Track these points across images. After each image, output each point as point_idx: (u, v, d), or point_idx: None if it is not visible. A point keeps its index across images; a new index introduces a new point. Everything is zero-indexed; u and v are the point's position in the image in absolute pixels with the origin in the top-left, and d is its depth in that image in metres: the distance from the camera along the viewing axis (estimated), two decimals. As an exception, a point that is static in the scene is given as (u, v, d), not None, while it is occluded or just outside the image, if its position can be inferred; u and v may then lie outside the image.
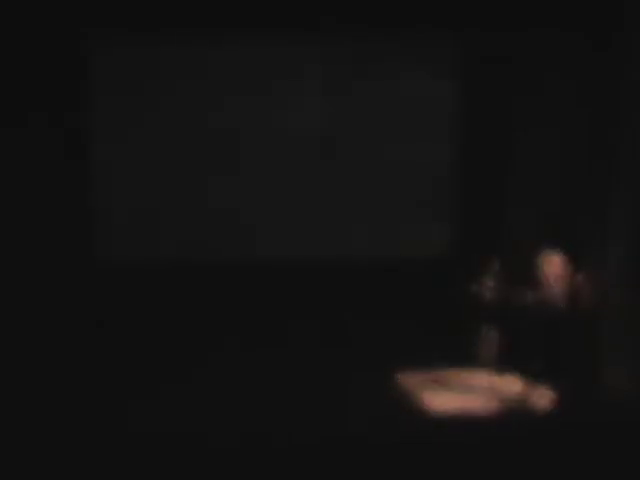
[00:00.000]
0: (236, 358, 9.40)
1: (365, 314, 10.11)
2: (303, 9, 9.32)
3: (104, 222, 10.20)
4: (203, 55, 10.16)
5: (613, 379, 8.24)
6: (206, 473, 6.55)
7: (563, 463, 6.66)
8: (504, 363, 8.81)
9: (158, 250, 10.34)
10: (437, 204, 10.80)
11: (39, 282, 9.47)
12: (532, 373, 8.76)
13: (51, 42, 9.32)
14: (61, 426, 7.43)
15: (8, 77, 9.30)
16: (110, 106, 10.08)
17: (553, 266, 8.68)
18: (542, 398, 8.66)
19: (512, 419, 8.04)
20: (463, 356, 9.19)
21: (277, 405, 8.12)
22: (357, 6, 9.31)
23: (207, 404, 8.10)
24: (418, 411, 8.21)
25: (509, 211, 10.42)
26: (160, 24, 9.32)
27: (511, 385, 8.92)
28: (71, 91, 9.69)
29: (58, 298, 9.49)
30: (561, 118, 9.35)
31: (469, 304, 8.96)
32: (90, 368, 8.95)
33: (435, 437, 7.43)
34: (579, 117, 8.95)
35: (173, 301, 9.97)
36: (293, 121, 10.47)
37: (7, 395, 7.95)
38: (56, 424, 7.45)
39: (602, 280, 8.43)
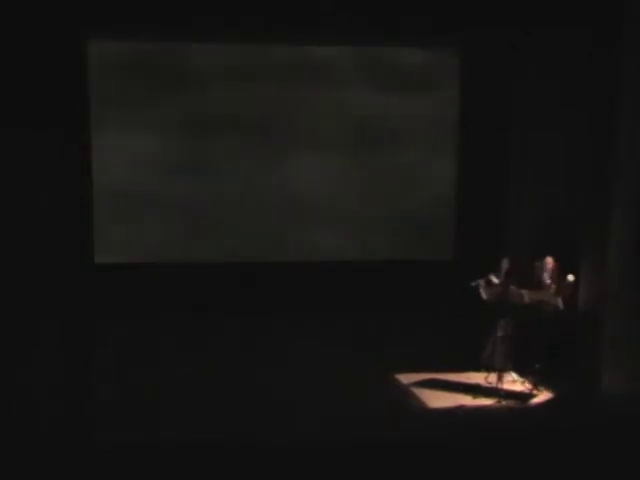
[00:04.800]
0: (236, 357, 9.42)
1: (367, 315, 10.11)
2: (300, 9, 9.35)
3: (102, 222, 10.24)
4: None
5: (613, 379, 8.24)
6: (207, 474, 6.54)
7: (563, 462, 6.66)
8: (505, 363, 8.80)
9: (156, 251, 10.39)
10: (441, 206, 10.85)
11: (37, 281, 9.47)
12: (533, 373, 8.78)
13: (49, 36, 9.34)
14: (59, 425, 7.44)
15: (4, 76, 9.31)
16: (108, 104, 10.12)
17: (544, 268, 8.71)
18: (542, 398, 8.67)
19: (512, 419, 8.04)
20: (464, 356, 9.20)
21: (277, 405, 8.12)
22: (357, 7, 9.33)
23: (207, 405, 8.11)
24: (418, 411, 8.22)
25: (510, 213, 10.43)
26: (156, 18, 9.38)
27: (511, 385, 8.94)
28: (68, 88, 9.72)
29: (56, 297, 9.49)
30: (562, 120, 9.34)
31: (471, 305, 8.95)
32: (87, 367, 8.97)
33: (435, 437, 7.43)
34: (580, 119, 8.94)
35: (173, 300, 9.99)
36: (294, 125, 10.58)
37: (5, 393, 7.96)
38: (54, 423, 7.46)
39: (602, 280, 8.43)
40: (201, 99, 10.28)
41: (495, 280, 9.03)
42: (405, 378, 9.02)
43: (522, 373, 8.87)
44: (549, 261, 8.76)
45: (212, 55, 10.27)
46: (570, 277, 8.55)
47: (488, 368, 8.94)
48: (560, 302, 8.48)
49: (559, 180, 9.44)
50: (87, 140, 10.04)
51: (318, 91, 10.45)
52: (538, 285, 8.72)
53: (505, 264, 9.13)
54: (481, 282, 8.88)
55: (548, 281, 8.70)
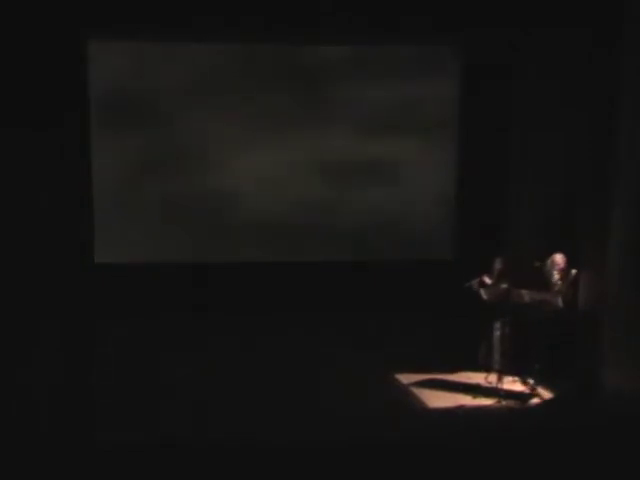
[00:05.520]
0: (236, 357, 9.42)
1: (367, 315, 10.10)
2: (300, 9, 9.35)
3: (102, 222, 10.24)
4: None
5: (613, 379, 8.23)
6: (207, 474, 6.54)
7: (563, 462, 6.65)
8: (505, 363, 8.80)
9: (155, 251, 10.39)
10: (441, 206, 10.84)
11: (37, 281, 9.46)
12: (532, 373, 8.78)
13: (49, 36, 9.33)
14: (59, 424, 7.44)
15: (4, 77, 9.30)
16: (108, 104, 10.12)
17: (553, 267, 8.70)
18: (542, 398, 8.67)
19: (512, 419, 8.04)
20: (464, 356, 9.20)
21: (277, 405, 8.12)
22: (357, 7, 9.33)
23: (207, 405, 8.11)
24: (418, 411, 8.22)
25: (510, 213, 10.42)
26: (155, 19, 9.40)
27: (511, 385, 8.94)
28: (68, 88, 9.71)
29: (56, 297, 9.49)
30: (562, 120, 9.34)
31: (471, 305, 8.96)
32: (87, 367, 8.97)
33: (435, 437, 7.43)
34: (580, 119, 8.94)
35: (173, 300, 9.99)
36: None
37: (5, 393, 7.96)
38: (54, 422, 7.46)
39: (602, 280, 8.42)
40: (201, 99, 10.28)
41: (488, 281, 9.04)
42: (405, 378, 9.02)
43: (522, 373, 8.87)
44: (559, 261, 8.74)
45: (212, 55, 10.27)
46: (574, 271, 8.58)
47: (487, 368, 8.95)
48: (560, 301, 8.48)
49: (559, 180, 9.44)
50: (87, 140, 10.04)
51: (318, 91, 10.45)
52: (544, 285, 8.71)
53: (498, 264, 9.14)
54: (474, 283, 8.89)
55: (556, 277, 8.69)
